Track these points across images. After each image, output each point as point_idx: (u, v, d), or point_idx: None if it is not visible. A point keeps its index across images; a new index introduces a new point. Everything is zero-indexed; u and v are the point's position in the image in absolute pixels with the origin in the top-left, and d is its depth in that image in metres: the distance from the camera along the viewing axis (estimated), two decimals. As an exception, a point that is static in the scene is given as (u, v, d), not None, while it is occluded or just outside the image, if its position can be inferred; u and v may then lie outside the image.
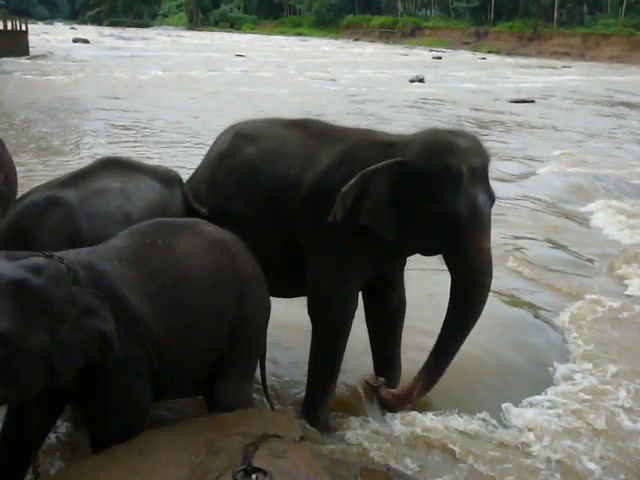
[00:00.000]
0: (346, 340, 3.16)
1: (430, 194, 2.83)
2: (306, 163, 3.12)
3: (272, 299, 2.84)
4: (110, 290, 2.26)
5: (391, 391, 3.25)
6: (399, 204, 2.87)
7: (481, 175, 2.91)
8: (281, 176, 3.14)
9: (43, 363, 2.04)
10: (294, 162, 3.14)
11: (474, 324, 3.02)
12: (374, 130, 3.32)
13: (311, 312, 3.19)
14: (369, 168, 2.86)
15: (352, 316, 3.14)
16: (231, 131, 3.45)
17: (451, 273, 3.01)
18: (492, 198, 2.96)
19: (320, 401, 3.23)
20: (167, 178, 3.37)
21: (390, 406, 3.28)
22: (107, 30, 57.94)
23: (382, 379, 3.28)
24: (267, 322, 2.78)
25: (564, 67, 35.99)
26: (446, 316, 3.04)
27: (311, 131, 3.27)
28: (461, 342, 3.05)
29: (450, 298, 3.02)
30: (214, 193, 3.30)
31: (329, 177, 3.03)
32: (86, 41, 38.97)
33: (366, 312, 3.37)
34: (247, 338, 2.60)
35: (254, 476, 2.05)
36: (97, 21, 78.86)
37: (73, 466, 2.17)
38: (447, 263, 3.01)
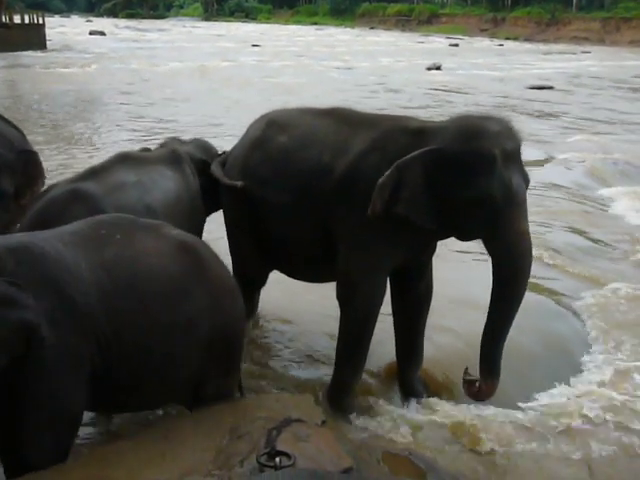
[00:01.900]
0: (374, 326, 3.17)
1: (465, 180, 2.83)
2: (338, 150, 3.14)
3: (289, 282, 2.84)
4: (46, 273, 2.05)
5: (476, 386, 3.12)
6: (435, 192, 2.88)
7: (514, 158, 2.91)
8: (314, 163, 3.17)
9: None
10: (326, 149, 3.17)
11: (519, 305, 2.98)
12: (405, 116, 3.30)
13: (340, 297, 3.20)
14: (404, 158, 2.87)
15: (381, 302, 3.15)
16: (263, 120, 3.51)
17: (491, 257, 2.98)
18: (527, 180, 2.96)
19: (347, 386, 3.25)
20: (175, 160, 3.49)
21: (478, 399, 3.18)
22: (123, 22, 58.18)
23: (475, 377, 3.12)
24: (244, 326, 2.68)
25: (583, 52, 35.56)
26: (491, 301, 3.00)
27: (342, 118, 3.28)
28: (509, 325, 3.01)
29: (493, 282, 2.98)
30: (245, 179, 3.36)
31: (361, 164, 3.05)
32: (102, 33, 39.17)
33: (393, 297, 3.36)
34: (226, 345, 2.46)
35: (277, 459, 2.07)
36: (113, 13, 79.11)
37: (100, 449, 2.21)
38: (486, 247, 3.00)
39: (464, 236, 3.08)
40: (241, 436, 2.26)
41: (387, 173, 2.86)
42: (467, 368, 3.13)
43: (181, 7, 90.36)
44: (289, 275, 3.63)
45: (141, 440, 2.25)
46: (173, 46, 31.14)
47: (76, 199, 2.92)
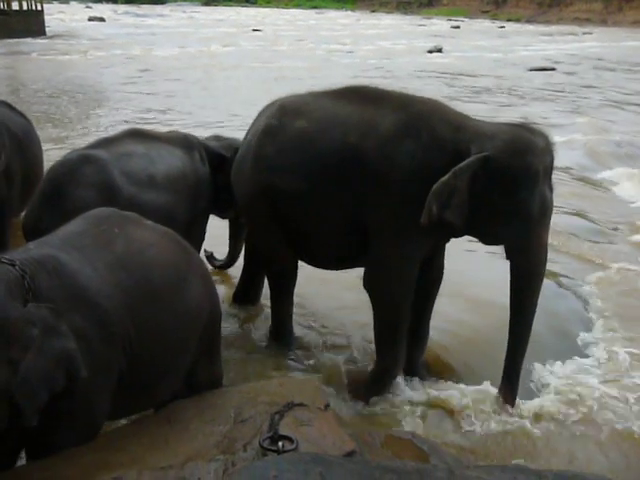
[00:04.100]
0: (409, 313, 3.17)
1: (509, 191, 2.89)
2: (365, 129, 3.05)
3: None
4: (75, 285, 1.97)
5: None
6: (477, 198, 2.90)
7: (550, 173, 3.01)
8: (339, 144, 3.08)
9: (1, 402, 1.71)
10: (351, 129, 3.08)
11: (535, 307, 3.11)
12: (433, 100, 3.23)
13: (373, 285, 3.17)
14: (460, 165, 2.86)
15: (413, 290, 3.14)
16: (275, 106, 3.38)
17: (511, 262, 3.07)
18: (552, 190, 3.04)
19: (390, 375, 3.25)
20: (186, 144, 3.57)
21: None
22: (122, 8, 57.83)
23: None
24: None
25: (585, 33, 35.31)
26: (510, 306, 3.11)
27: (363, 97, 3.20)
28: (530, 326, 3.12)
29: (511, 288, 3.10)
30: (262, 168, 3.25)
31: (394, 149, 2.99)
32: (102, 19, 38.90)
33: None
34: (213, 331, 2.50)
35: (280, 443, 2.08)
36: (112, -1, 78.58)
37: (104, 434, 2.22)
38: (508, 253, 3.08)
39: (490, 240, 3.17)
40: (244, 421, 2.27)
41: (444, 179, 2.84)
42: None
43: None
44: (314, 264, 3.51)
45: (145, 426, 2.26)
46: (173, 32, 30.95)
47: (86, 162, 3.13)
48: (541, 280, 3.10)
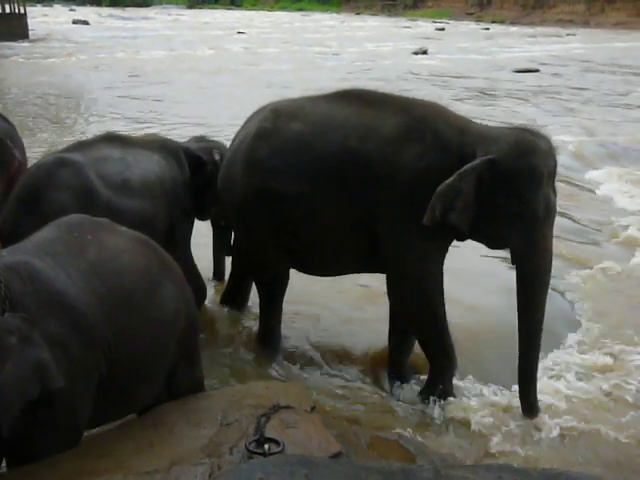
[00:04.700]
0: (445, 311, 3.15)
1: (514, 194, 2.91)
2: (367, 132, 3.04)
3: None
4: (50, 291, 1.96)
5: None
6: (482, 202, 2.91)
7: (553, 175, 3.03)
8: (339, 147, 3.05)
9: None
10: (352, 132, 3.05)
11: (544, 309, 3.12)
12: (433, 103, 3.23)
13: (400, 294, 3.15)
14: (465, 167, 2.87)
15: (442, 283, 3.13)
16: (267, 110, 3.32)
17: (517, 266, 3.09)
18: (555, 194, 3.07)
19: (449, 375, 3.23)
20: (164, 148, 3.56)
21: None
22: (106, 11, 57.57)
23: None
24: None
25: (568, 35, 35.55)
26: (518, 310, 3.12)
27: (360, 100, 3.18)
28: (540, 327, 3.13)
29: (517, 290, 3.11)
30: (255, 172, 3.18)
31: (399, 152, 2.99)
32: (86, 22, 38.67)
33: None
34: (191, 334, 2.47)
35: (266, 446, 2.08)
36: (96, 2, 78.07)
37: (88, 440, 2.20)
38: (513, 256, 3.10)
39: (494, 244, 3.18)
40: (230, 424, 2.27)
41: (448, 182, 2.85)
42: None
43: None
44: (309, 269, 3.45)
45: (129, 430, 2.25)
46: (158, 34, 30.86)
47: (62, 165, 3.13)
48: (548, 283, 3.12)
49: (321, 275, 3.52)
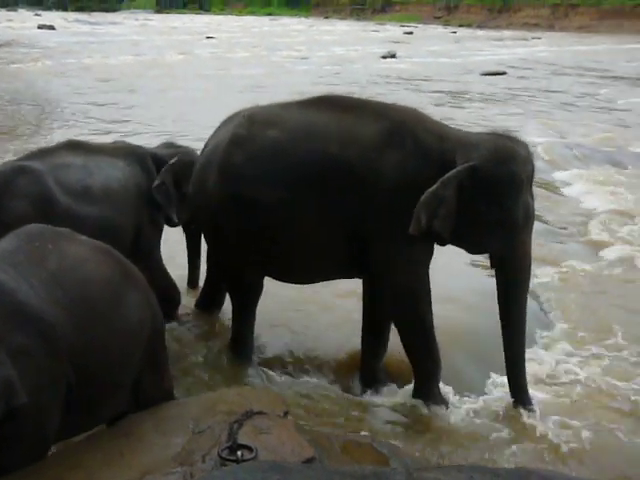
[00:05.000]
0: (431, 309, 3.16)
1: (494, 200, 2.95)
2: (347, 139, 3.03)
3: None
4: (13, 302, 1.93)
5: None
6: (463, 209, 2.93)
7: (531, 180, 3.07)
8: (319, 154, 3.03)
9: None
10: (332, 139, 3.04)
11: (525, 309, 3.19)
12: (411, 108, 3.24)
13: (391, 299, 3.16)
14: (447, 175, 2.89)
15: (429, 287, 3.13)
16: (241, 117, 3.26)
17: (497, 271, 3.15)
18: (534, 199, 3.12)
19: (435, 379, 3.24)
20: (130, 154, 3.53)
21: None
22: (73, 15, 56.77)
23: None
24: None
25: (534, 38, 36.07)
26: (500, 315, 3.18)
27: (337, 106, 3.17)
28: (523, 330, 3.20)
29: (498, 295, 3.17)
30: (230, 179, 3.13)
31: (381, 159, 2.99)
32: (52, 27, 38.13)
33: (365, 286, 3.37)
34: (158, 341, 2.46)
35: (239, 453, 2.07)
36: (62, 6, 77.03)
37: (57, 452, 2.17)
38: (494, 261, 3.15)
39: (475, 250, 3.25)
40: (202, 431, 2.25)
41: (432, 190, 2.87)
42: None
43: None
44: (285, 277, 3.41)
45: (99, 441, 2.22)
46: (126, 39, 30.56)
47: (21, 173, 3.09)
48: (528, 287, 3.18)
49: (299, 282, 3.50)
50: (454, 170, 2.91)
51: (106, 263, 2.28)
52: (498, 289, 3.16)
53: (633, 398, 3.42)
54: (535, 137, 9.85)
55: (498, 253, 3.09)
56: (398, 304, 3.16)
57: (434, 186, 2.87)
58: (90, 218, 3.12)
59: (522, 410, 3.22)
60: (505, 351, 3.21)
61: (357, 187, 3.00)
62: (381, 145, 3.00)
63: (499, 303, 3.18)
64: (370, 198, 2.99)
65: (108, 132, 9.73)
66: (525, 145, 3.09)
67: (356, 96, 3.36)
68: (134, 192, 3.44)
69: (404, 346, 3.22)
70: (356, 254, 3.12)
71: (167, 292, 3.73)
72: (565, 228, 6.13)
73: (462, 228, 2.96)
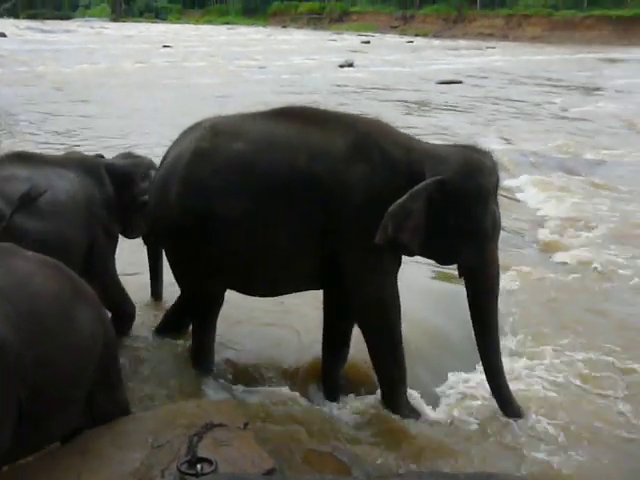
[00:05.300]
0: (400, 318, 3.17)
1: (463, 213, 2.98)
2: (315, 152, 3.02)
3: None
4: None
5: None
6: (433, 221, 2.96)
7: (497, 190, 3.13)
8: (286, 167, 3.00)
9: None
10: (299, 151, 3.02)
11: (497, 317, 3.26)
12: (377, 120, 3.27)
13: (360, 309, 3.17)
14: (416, 187, 2.91)
15: (399, 298, 3.15)
16: (203, 129, 3.20)
17: (467, 281, 3.20)
18: (499, 207, 3.17)
19: (402, 388, 3.24)
20: (81, 165, 3.45)
21: None
22: (25, 23, 55.66)
23: None
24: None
25: (489, 48, 36.69)
26: (472, 322, 3.24)
27: (303, 118, 3.16)
28: (497, 336, 3.26)
29: (469, 304, 3.23)
30: (193, 193, 3.08)
31: (349, 172, 2.99)
32: (3, 35, 37.30)
33: (326, 294, 3.36)
34: (111, 356, 2.45)
35: (199, 466, 2.05)
36: (13, 14, 75.47)
37: (10, 471, 2.12)
38: (463, 271, 3.19)
39: (445, 261, 3.29)
40: (161, 445, 2.23)
41: (399, 202, 2.88)
42: None
43: (87, 7, 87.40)
44: (248, 290, 3.39)
45: (55, 458, 2.18)
46: (81, 48, 30.10)
47: None
48: (498, 292, 3.23)
49: (263, 295, 3.48)
50: (423, 183, 2.94)
51: (54, 278, 2.25)
52: (469, 298, 3.22)
53: (593, 397, 3.51)
54: (491, 144, 10.04)
55: (468, 263, 3.14)
56: (367, 315, 3.17)
57: (402, 198, 2.90)
58: (35, 231, 3.04)
59: (482, 415, 3.26)
60: (483, 361, 3.27)
61: (325, 200, 3.00)
62: (348, 157, 3.01)
63: (471, 312, 3.23)
64: (338, 210, 3.00)
65: (62, 143, 9.56)
66: (490, 156, 3.14)
67: (320, 107, 3.37)
68: (84, 204, 3.37)
69: (371, 355, 3.23)
70: (323, 266, 3.12)
71: (122, 307, 3.68)
72: (519, 234, 6.24)
73: (431, 240, 3.00)
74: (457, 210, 2.98)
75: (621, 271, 5.35)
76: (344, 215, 3.01)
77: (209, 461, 2.09)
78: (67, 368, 2.16)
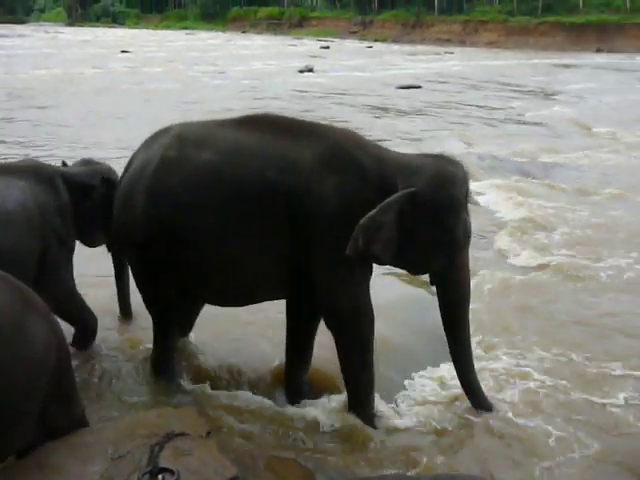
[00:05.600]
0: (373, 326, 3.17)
1: (435, 224, 3.00)
2: (285, 163, 2.98)
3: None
4: None
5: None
6: (405, 233, 2.96)
7: (467, 198, 3.16)
8: (256, 179, 2.96)
9: None
10: (269, 162, 2.98)
11: (469, 322, 3.31)
12: (347, 130, 3.27)
13: (334, 319, 3.15)
14: (387, 200, 2.90)
15: (372, 307, 3.15)
16: (170, 136, 3.14)
17: (440, 289, 3.24)
18: (469, 215, 3.20)
19: (370, 398, 3.24)
20: (33, 174, 3.37)
21: None
22: (-23, 27, 54.56)
23: None
24: None
25: (447, 53, 37.23)
26: (445, 327, 3.29)
27: (272, 127, 3.12)
28: (469, 341, 3.32)
29: (441, 310, 3.27)
30: (160, 203, 3.02)
31: (320, 183, 2.96)
32: (-45, 40, 36.56)
33: (289, 302, 3.34)
34: (68, 369, 2.41)
35: (161, 477, 2.03)
36: (-35, 19, 74.11)
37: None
38: (435, 280, 3.22)
39: (417, 271, 3.32)
40: (122, 457, 2.19)
41: (371, 214, 2.87)
42: None
43: (42, 11, 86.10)
44: (216, 300, 3.36)
45: (10, 474, 2.12)
46: (36, 53, 29.57)
47: None
48: (469, 296, 3.28)
49: (231, 305, 3.45)
50: (394, 195, 2.93)
51: (2, 291, 2.19)
52: (441, 305, 3.26)
53: (557, 395, 3.57)
54: (450, 148, 10.17)
55: (440, 272, 3.16)
56: (340, 324, 3.15)
57: (373, 211, 2.89)
58: None
59: (445, 418, 3.29)
60: (455, 364, 3.33)
61: (296, 211, 2.97)
62: (320, 169, 2.98)
63: (443, 319, 3.27)
64: (309, 222, 2.97)
65: (18, 150, 9.37)
66: (461, 165, 3.17)
67: (285, 113, 3.35)
68: (36, 213, 3.27)
69: (340, 358, 3.22)
70: (292, 276, 3.10)
71: (80, 318, 3.58)
72: (481, 236, 6.32)
73: (404, 251, 3.01)
74: (429, 221, 3.00)
75: (579, 272, 5.45)
76: (315, 227, 2.98)
77: (171, 471, 2.06)
78: (18, 380, 2.11)
